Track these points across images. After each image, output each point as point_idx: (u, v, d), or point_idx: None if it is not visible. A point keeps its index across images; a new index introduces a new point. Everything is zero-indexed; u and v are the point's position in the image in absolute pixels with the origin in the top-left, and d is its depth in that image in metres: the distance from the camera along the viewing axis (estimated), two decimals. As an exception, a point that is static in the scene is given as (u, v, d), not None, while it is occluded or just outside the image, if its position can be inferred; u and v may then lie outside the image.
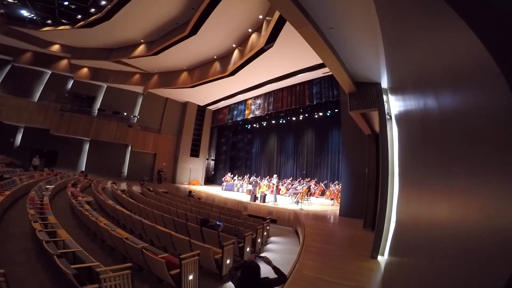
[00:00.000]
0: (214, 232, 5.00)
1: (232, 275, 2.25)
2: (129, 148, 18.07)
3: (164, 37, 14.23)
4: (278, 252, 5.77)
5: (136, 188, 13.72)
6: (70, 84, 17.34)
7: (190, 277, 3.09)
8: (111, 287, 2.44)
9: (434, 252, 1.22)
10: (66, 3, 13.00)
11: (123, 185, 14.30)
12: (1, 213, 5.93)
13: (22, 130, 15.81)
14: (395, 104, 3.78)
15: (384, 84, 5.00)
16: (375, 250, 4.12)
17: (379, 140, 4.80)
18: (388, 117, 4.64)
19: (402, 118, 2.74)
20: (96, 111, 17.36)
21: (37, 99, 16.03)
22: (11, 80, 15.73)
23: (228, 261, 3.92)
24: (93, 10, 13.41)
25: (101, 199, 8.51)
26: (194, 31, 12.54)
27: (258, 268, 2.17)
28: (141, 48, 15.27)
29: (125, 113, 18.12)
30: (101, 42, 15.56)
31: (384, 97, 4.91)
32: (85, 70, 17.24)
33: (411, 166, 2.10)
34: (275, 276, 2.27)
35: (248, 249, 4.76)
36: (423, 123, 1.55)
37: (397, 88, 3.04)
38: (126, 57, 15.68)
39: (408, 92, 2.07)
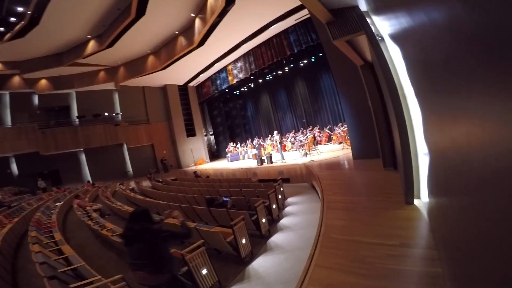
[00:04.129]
0: (223, 210, 4.69)
1: None
2: (125, 146, 17.61)
3: (111, 26, 12.64)
4: (299, 214, 5.32)
5: (146, 183, 13.61)
6: (36, 99, 16.09)
7: (204, 272, 2.78)
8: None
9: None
10: (-25, 19, 11.05)
11: (132, 184, 14.23)
12: (18, 240, 5.96)
13: (13, 160, 15.33)
14: (387, 23, 3.09)
15: (363, 6, 4.30)
16: (409, 193, 3.36)
17: (375, 64, 4.14)
18: (380, 38, 4.04)
19: (403, 34, 2.14)
20: (76, 120, 16.47)
21: (10, 124, 15.02)
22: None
23: (244, 241, 3.56)
24: (13, 19, 11.63)
25: (108, 203, 8.34)
26: (141, 12, 11.10)
27: (145, 212, 1.99)
28: (92, 44, 13.72)
29: (106, 114, 17.24)
30: (44, 49, 13.82)
31: (368, 20, 4.21)
32: (43, 81, 15.75)
33: (437, 77, 1.46)
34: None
35: (264, 220, 4.42)
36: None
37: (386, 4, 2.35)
38: (79, 57, 14.16)
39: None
